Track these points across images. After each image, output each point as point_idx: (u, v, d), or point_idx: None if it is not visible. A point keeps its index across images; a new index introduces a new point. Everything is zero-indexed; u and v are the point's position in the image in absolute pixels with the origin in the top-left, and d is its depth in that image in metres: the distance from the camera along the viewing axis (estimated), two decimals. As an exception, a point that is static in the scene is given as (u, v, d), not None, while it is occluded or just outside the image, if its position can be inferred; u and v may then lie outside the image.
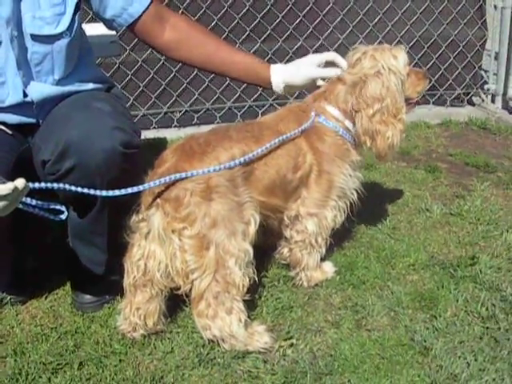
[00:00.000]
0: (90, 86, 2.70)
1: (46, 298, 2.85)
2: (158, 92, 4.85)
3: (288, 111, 2.82)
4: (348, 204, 2.91)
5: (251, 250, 2.49)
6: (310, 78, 2.80)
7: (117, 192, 2.29)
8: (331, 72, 2.80)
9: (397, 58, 2.79)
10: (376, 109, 2.74)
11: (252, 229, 2.53)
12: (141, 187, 2.35)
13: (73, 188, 2.22)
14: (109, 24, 2.72)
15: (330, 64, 2.81)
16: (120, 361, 2.48)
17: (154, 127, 4.96)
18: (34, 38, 2.47)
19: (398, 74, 2.78)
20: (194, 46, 2.76)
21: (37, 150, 2.50)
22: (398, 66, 2.79)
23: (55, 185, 2.20)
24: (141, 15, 2.67)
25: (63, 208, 2.25)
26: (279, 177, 2.65)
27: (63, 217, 2.26)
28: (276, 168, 2.63)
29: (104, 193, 2.28)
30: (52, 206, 2.21)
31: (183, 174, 2.36)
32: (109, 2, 2.62)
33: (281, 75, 2.77)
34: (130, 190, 2.32)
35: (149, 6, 2.67)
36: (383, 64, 2.76)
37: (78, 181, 2.26)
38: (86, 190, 2.24)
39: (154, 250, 2.43)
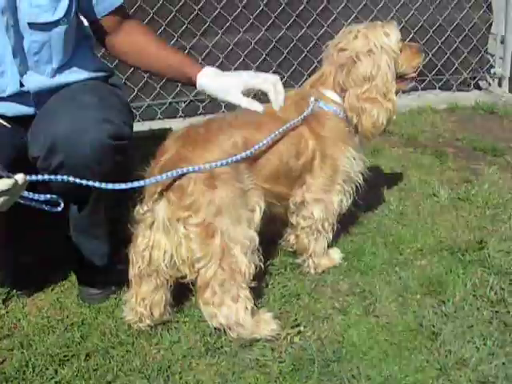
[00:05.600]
0: (88, 74, 2.68)
1: (52, 290, 2.85)
2: (162, 82, 4.81)
3: (286, 99, 2.80)
4: (354, 187, 2.89)
5: (257, 237, 2.48)
6: (228, 101, 2.70)
7: (122, 185, 2.28)
8: (252, 105, 2.65)
9: (389, 36, 2.78)
10: (365, 88, 2.73)
11: (257, 216, 2.52)
12: (147, 181, 2.35)
13: (77, 180, 2.20)
14: (88, 12, 2.70)
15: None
16: (127, 351, 2.48)
17: (160, 118, 4.95)
18: (32, 26, 2.45)
19: (390, 51, 2.77)
20: (137, 51, 2.75)
21: (29, 146, 2.50)
22: (391, 44, 2.77)
23: (59, 177, 2.18)
24: (118, 7, 2.69)
25: (59, 199, 2.23)
26: (282, 164, 2.64)
27: (59, 209, 2.25)
28: (278, 155, 2.62)
29: (110, 186, 2.26)
30: (49, 198, 2.20)
31: (190, 169, 2.35)
32: None
33: (203, 87, 2.70)
34: (135, 184, 2.31)
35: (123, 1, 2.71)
36: (375, 42, 2.74)
37: (69, 175, 2.24)
38: (90, 183, 2.23)
39: (158, 239, 2.42)
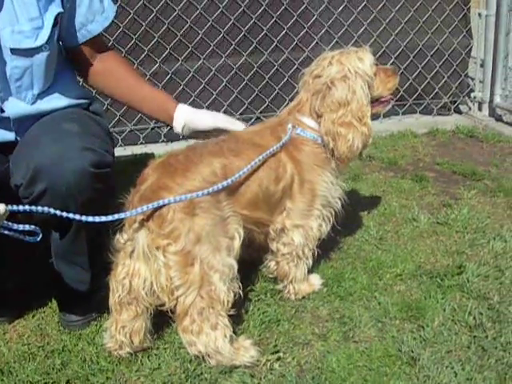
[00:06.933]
0: (69, 101, 2.70)
1: (33, 316, 2.85)
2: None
3: (263, 126, 2.84)
4: (332, 213, 2.91)
5: (236, 265, 2.49)
6: (211, 127, 2.82)
7: (103, 218, 2.30)
8: (235, 125, 2.83)
9: (363, 60, 2.81)
10: (340, 113, 2.75)
11: (236, 243, 2.53)
12: (128, 213, 2.36)
13: (58, 212, 2.22)
14: (67, 40, 2.75)
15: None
16: (107, 378, 2.47)
17: (142, 142, 4.97)
18: (14, 51, 2.46)
19: (364, 76, 2.79)
20: (116, 80, 2.85)
21: (10, 174, 2.51)
22: (365, 68, 2.80)
23: (39, 208, 2.20)
24: (96, 36, 2.75)
25: (38, 230, 2.24)
26: (261, 190, 2.66)
27: (38, 239, 2.25)
28: (257, 181, 2.63)
29: (90, 218, 2.28)
30: (27, 228, 2.21)
31: (171, 199, 2.36)
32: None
33: (183, 116, 2.81)
34: (116, 216, 2.33)
35: (104, 29, 2.77)
36: (349, 68, 2.77)
37: (51, 204, 2.25)
38: (71, 215, 2.25)
39: (138, 267, 2.43)
